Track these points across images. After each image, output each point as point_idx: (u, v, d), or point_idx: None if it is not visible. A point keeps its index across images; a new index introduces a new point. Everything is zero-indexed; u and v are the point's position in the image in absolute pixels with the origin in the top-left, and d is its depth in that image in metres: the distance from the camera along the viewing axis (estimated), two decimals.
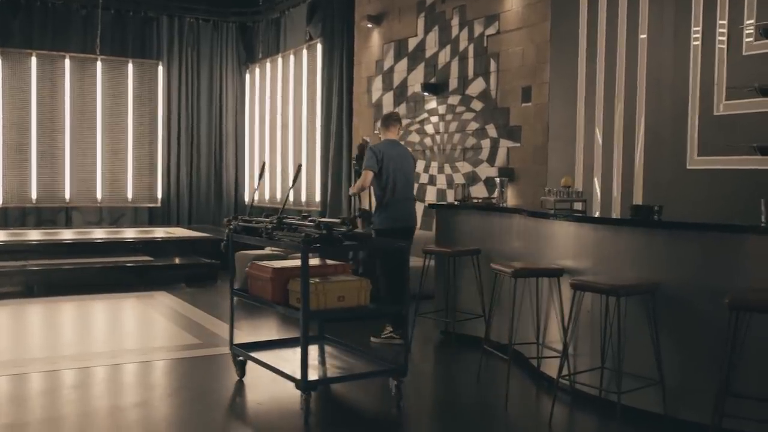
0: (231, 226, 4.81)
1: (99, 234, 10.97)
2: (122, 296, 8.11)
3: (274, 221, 4.32)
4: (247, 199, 13.78)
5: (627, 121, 6.35)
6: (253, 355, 4.67)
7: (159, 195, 13.35)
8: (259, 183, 5.43)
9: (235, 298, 4.93)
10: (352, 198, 6.29)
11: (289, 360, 4.47)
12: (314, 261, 4.75)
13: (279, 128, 12.59)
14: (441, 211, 6.28)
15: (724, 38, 5.62)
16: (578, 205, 5.06)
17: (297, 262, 4.61)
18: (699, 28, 5.75)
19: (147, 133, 13.27)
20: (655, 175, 6.11)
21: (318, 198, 11.28)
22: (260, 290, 4.63)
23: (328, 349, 4.96)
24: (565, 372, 4.38)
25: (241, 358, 4.82)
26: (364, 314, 4.41)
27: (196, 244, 10.45)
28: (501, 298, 5.15)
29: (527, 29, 7.54)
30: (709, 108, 5.69)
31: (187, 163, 13.49)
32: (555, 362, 4.49)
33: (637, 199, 6.22)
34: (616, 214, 5.94)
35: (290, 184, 4.95)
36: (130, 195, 13.15)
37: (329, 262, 4.79)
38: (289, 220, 4.30)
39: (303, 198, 11.80)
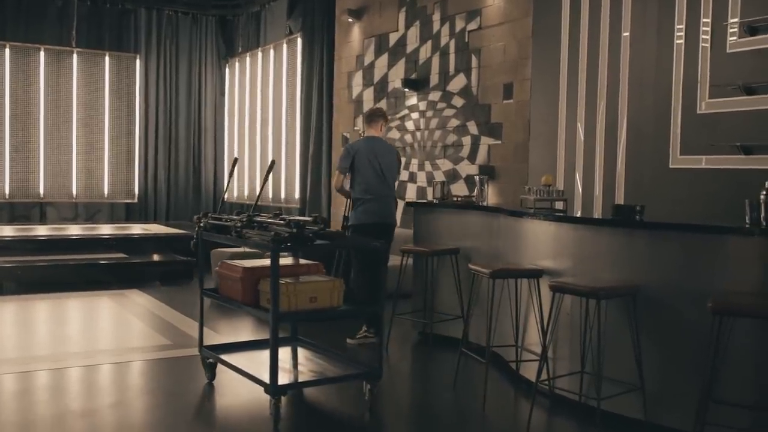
0: (201, 224, 4.66)
1: (73, 230, 10.76)
2: (95, 295, 7.92)
3: (244, 219, 4.16)
4: (226, 195, 13.57)
5: (609, 118, 6.25)
6: (224, 357, 4.52)
7: (136, 190, 13.14)
8: (229, 180, 5.27)
9: (210, 298, 4.77)
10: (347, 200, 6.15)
11: (260, 362, 4.32)
12: (287, 260, 4.61)
13: (258, 124, 12.41)
14: (419, 209, 6.15)
15: (708, 36, 5.53)
16: (559, 204, 4.94)
17: (269, 262, 4.47)
18: (682, 26, 5.65)
19: (124, 128, 13.04)
20: (637, 173, 6.01)
21: (297, 195, 11.11)
22: (230, 290, 4.48)
23: (301, 351, 4.81)
24: (544, 376, 4.26)
25: (210, 360, 4.67)
26: (336, 315, 4.26)
27: (173, 241, 10.27)
28: (479, 299, 5.03)
29: (509, 24, 7.42)
30: (692, 106, 5.60)
31: (165, 158, 13.29)
32: (534, 365, 4.37)
33: (619, 198, 6.12)
34: (597, 213, 5.84)
35: (264, 180, 4.80)
36: (106, 190, 12.92)
37: (303, 261, 4.65)
38: (259, 218, 4.15)
39: (282, 195, 11.63)
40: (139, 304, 7.46)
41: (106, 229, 11.07)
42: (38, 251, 9.18)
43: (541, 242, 4.62)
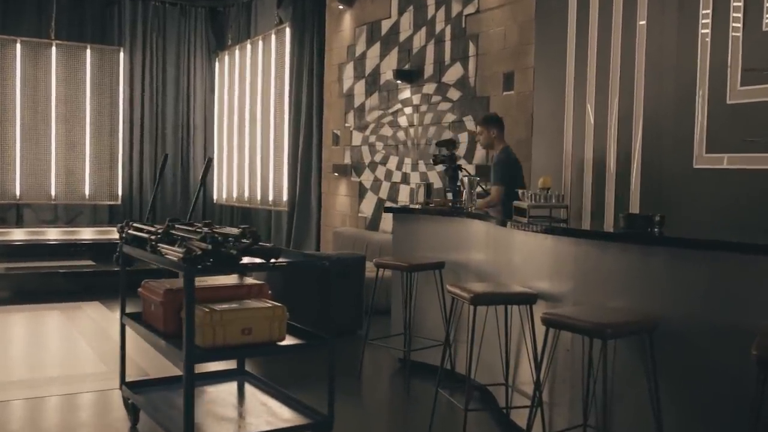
0: (123, 235, 3.84)
1: (39, 235, 9.91)
2: (46, 308, 7.12)
3: (160, 231, 3.34)
4: (215, 196, 12.80)
5: (623, 111, 5.37)
6: (145, 398, 3.69)
7: (120, 191, 12.35)
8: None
9: (130, 325, 3.94)
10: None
11: (197, 404, 3.49)
12: (228, 279, 3.78)
13: (247, 121, 11.60)
14: (399, 216, 5.29)
15: (740, 13, 4.64)
16: (560, 212, 4.08)
17: (209, 280, 3.66)
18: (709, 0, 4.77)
19: (107, 125, 12.25)
20: (655, 175, 5.12)
21: (285, 197, 10.29)
22: (152, 317, 3.66)
23: (248, 389, 3.99)
24: (537, 426, 3.41)
25: (132, 401, 3.84)
26: (276, 351, 3.44)
27: None
28: (462, 325, 4.17)
29: (510, 6, 6.56)
30: (720, 95, 4.70)
31: (151, 157, 12.49)
32: (527, 411, 3.51)
33: (635, 204, 5.24)
34: (608, 223, 4.95)
35: (201, 180, 3.99)
36: (87, 191, 12.14)
37: (248, 281, 3.81)
38: (181, 229, 3.33)
39: (270, 197, 10.81)
40: (92, 320, 6.64)
41: (83, 233, 10.27)
42: None
43: (535, 259, 3.77)
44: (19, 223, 11.63)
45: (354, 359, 5.12)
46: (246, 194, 11.60)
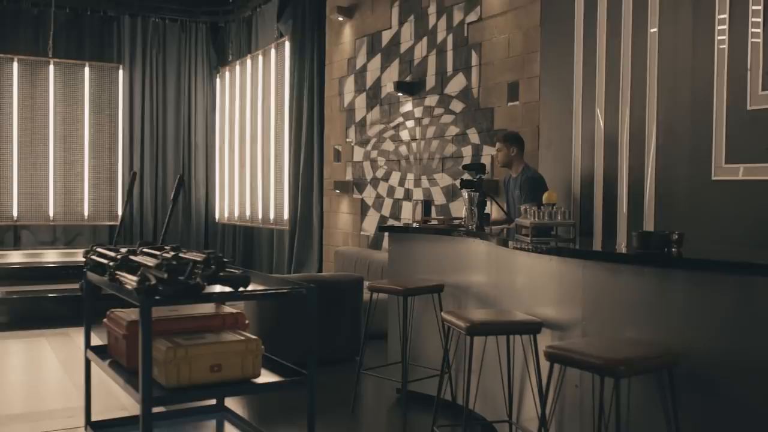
0: (87, 260, 3.51)
1: (32, 257, 9.63)
2: (35, 334, 6.80)
3: (118, 257, 3.01)
4: (217, 216, 12.50)
5: (635, 121, 5.02)
6: None
7: (119, 212, 12.06)
8: (128, 200, 4.06)
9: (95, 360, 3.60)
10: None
11: None
12: (202, 308, 3.44)
13: (248, 138, 11.30)
14: (395, 235, 4.94)
15: (759, 18, 4.29)
16: (568, 231, 3.72)
17: (183, 309, 3.33)
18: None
19: (106, 144, 11.99)
20: (671, 189, 4.76)
21: (286, 215, 9.96)
22: (116, 351, 3.33)
23: (227, 429, 3.64)
24: None
25: None
26: (249, 390, 3.09)
27: None
28: (462, 353, 3.82)
29: (513, 13, 6.23)
30: (740, 101, 4.34)
31: (152, 177, 12.21)
32: None
33: (648, 220, 4.88)
34: (621, 242, 4.57)
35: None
36: (86, 212, 11.87)
37: (226, 309, 3.47)
38: (142, 255, 2.99)
39: (271, 216, 10.49)
40: (75, 347, 6.31)
41: (77, 255, 9.96)
42: None
43: (540, 283, 3.41)
44: (16, 245, 11.37)
45: (349, 390, 4.76)
46: (247, 213, 11.29)
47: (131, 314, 3.29)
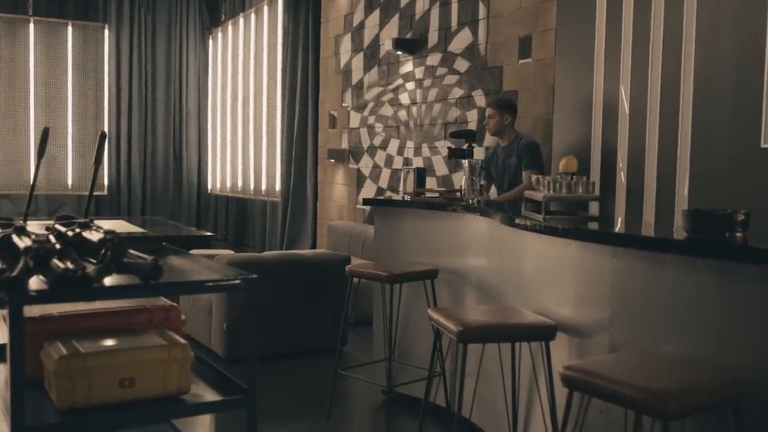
0: None
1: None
2: None
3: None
4: (209, 187, 11.80)
5: (667, 79, 4.25)
6: None
7: (106, 181, 11.40)
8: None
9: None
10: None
11: None
12: (126, 301, 2.72)
13: (240, 103, 10.55)
14: (380, 210, 4.20)
15: None
16: (591, 207, 2.98)
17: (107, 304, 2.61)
18: None
19: (91, 109, 11.28)
20: (710, 159, 4.01)
21: (278, 187, 9.24)
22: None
23: None
24: None
25: None
26: (169, 413, 2.39)
27: (130, 245, 8.43)
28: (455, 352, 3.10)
29: None
30: None
31: (141, 144, 11.52)
32: None
33: (682, 196, 4.14)
34: (649, 223, 3.82)
35: (96, 160, 2.99)
36: (70, 181, 11.20)
37: (160, 301, 2.75)
38: (19, 234, 2.28)
39: (263, 187, 9.77)
40: None
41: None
42: None
43: (554, 273, 2.68)
44: None
45: (327, 387, 4.07)
46: (239, 184, 10.57)
47: (33, 309, 2.58)
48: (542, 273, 2.79)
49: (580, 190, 2.78)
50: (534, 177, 3.05)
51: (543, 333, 2.50)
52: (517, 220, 2.80)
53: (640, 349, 2.22)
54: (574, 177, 2.87)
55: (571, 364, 1.96)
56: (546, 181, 2.81)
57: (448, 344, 3.20)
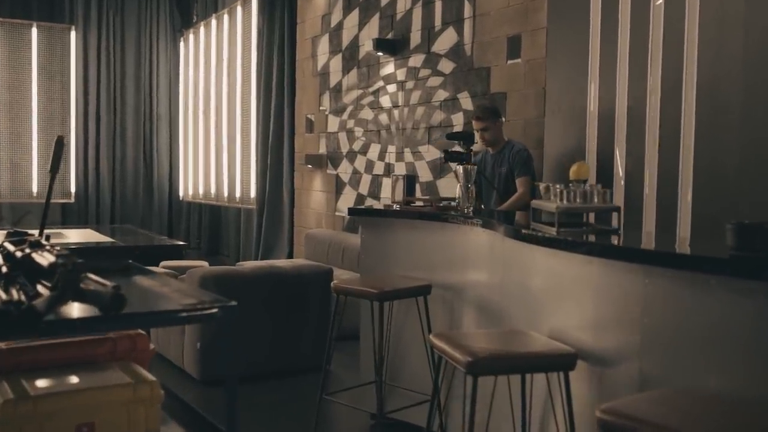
0: None
1: None
2: None
3: None
4: (181, 194, 11.42)
5: (668, 80, 4.01)
6: None
7: (73, 189, 10.97)
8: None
9: None
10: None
11: None
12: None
13: (213, 108, 10.20)
14: (367, 221, 3.91)
15: None
16: (609, 219, 2.71)
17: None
18: None
19: (57, 114, 10.85)
20: (714, 165, 3.77)
21: (253, 194, 8.90)
22: None
23: None
24: None
25: None
26: None
27: (99, 255, 8.04)
28: (456, 380, 2.82)
29: None
30: None
31: (109, 150, 11.10)
32: None
33: (685, 203, 3.89)
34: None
35: (53, 168, 2.64)
36: (35, 188, 10.76)
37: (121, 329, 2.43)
38: None
39: (237, 193, 9.43)
40: None
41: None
42: None
43: (570, 294, 2.40)
44: None
45: (311, 415, 3.75)
46: (212, 191, 10.21)
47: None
48: (555, 293, 2.51)
49: (596, 200, 2.51)
50: (542, 186, 2.77)
51: (562, 362, 2.22)
52: (526, 233, 2.52)
53: (683, 388, 1.94)
54: (586, 184, 2.60)
55: (608, 406, 1.67)
56: (557, 190, 2.53)
57: (443, 367, 2.91)
